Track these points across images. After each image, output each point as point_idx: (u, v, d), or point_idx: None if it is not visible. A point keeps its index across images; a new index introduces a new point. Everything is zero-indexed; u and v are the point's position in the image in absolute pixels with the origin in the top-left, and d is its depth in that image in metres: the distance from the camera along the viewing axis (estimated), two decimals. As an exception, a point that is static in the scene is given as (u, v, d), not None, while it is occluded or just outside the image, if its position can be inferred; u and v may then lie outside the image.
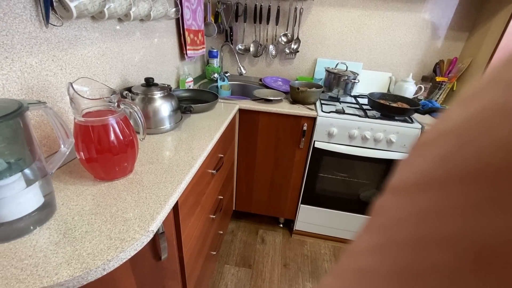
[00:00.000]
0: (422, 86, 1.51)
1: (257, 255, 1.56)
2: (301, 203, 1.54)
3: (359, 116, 1.26)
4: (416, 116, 1.32)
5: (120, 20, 0.90)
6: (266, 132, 1.38)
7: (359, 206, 1.48)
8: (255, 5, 1.57)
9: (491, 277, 0.07)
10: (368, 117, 1.26)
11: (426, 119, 1.30)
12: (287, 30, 1.63)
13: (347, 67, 1.46)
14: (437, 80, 1.49)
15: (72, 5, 0.62)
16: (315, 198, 1.51)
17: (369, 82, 1.66)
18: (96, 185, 0.64)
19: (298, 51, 1.66)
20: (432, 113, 1.32)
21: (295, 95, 1.36)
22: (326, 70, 1.49)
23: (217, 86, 1.62)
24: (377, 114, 1.30)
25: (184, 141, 0.89)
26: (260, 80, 1.74)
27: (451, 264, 0.08)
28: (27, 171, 0.49)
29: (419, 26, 1.52)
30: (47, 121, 0.67)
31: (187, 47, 1.38)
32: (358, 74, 1.46)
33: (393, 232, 0.10)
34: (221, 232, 1.37)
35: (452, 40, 1.52)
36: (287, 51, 1.66)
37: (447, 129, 0.10)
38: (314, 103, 1.40)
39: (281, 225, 1.77)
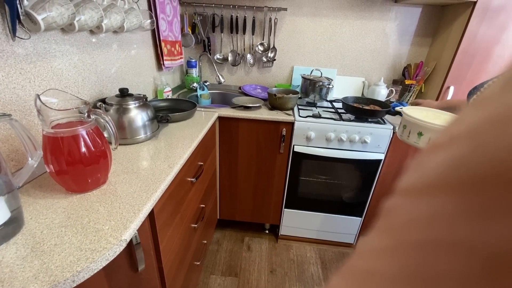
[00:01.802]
0: (393, 89, 1.60)
1: (244, 263, 1.55)
2: (285, 208, 1.56)
3: (334, 119, 1.31)
4: (388, 117, 1.39)
5: (92, 32, 0.90)
6: (247, 139, 1.40)
7: (341, 207, 1.51)
8: (231, 16, 1.62)
9: (502, 284, 0.07)
10: (343, 120, 1.31)
11: (397, 120, 1.36)
12: (263, 40, 1.68)
13: (321, 73, 1.52)
14: (406, 83, 1.58)
15: (39, 18, 0.63)
16: (298, 202, 1.53)
17: (344, 87, 1.73)
18: (67, 197, 0.63)
19: (275, 59, 1.71)
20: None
21: (273, 102, 1.40)
22: (302, 77, 1.54)
23: (197, 95, 1.63)
24: (352, 117, 1.36)
25: (161, 150, 0.89)
26: (240, 88, 1.77)
27: (461, 270, 0.08)
28: (-10, 185, 0.47)
29: (387, 33, 1.61)
30: (15, 134, 0.66)
31: (164, 58, 1.39)
32: (332, 80, 1.52)
33: (403, 234, 0.10)
34: (205, 241, 1.36)
35: (418, 46, 1.62)
36: (265, 59, 1.71)
37: (460, 132, 0.10)
38: (292, 109, 1.44)
39: (267, 231, 1.77)
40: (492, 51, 1.33)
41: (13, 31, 0.62)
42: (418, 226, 0.09)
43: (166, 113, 1.10)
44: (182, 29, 1.62)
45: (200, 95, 1.63)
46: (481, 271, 0.07)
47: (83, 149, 0.60)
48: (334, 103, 1.57)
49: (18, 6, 0.61)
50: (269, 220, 1.66)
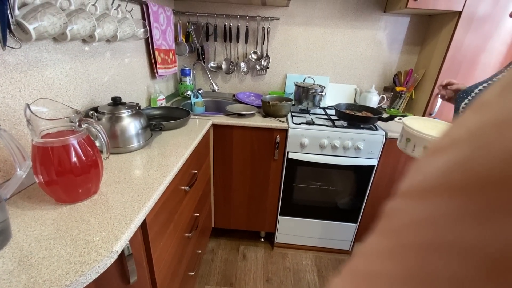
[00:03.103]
0: (385, 96, 1.63)
1: (239, 273, 1.52)
2: (280, 215, 1.55)
3: (327, 126, 1.32)
4: (380, 123, 1.41)
5: (84, 41, 0.90)
6: (241, 146, 1.40)
7: (336, 213, 1.51)
8: (224, 25, 1.64)
9: (504, 286, 0.07)
10: (336, 126, 1.32)
11: (389, 126, 1.39)
12: (256, 48, 1.70)
13: (314, 81, 1.54)
14: (397, 90, 1.61)
15: (30, 27, 0.62)
16: (293, 209, 1.52)
17: (337, 94, 1.76)
18: (57, 208, 0.62)
19: (268, 67, 1.73)
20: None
21: (267, 109, 1.40)
22: (295, 85, 1.56)
23: (191, 103, 1.63)
24: (345, 123, 1.37)
25: (154, 158, 0.89)
26: (234, 95, 1.78)
27: (462, 272, 0.08)
28: (-24, 197, 0.46)
29: (377, 42, 1.65)
30: (3, 144, 0.65)
31: (158, 66, 1.39)
32: (325, 87, 1.54)
33: (404, 236, 0.10)
34: (200, 251, 1.33)
35: (407, 54, 1.66)
36: (258, 67, 1.73)
37: (460, 136, 0.10)
38: (286, 116, 1.45)
39: (262, 239, 1.75)
40: (478, 59, 1.37)
41: (4, 41, 0.61)
42: (419, 228, 0.09)
43: (159, 121, 1.09)
44: (176, 38, 1.63)
45: (194, 103, 1.63)
46: (482, 273, 0.07)
47: (74, 159, 0.59)
48: (327, 110, 1.59)
49: (9, 15, 0.60)
50: (264, 228, 1.65)
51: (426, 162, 0.11)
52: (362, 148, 1.30)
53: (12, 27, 0.62)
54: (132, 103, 0.96)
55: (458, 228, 0.08)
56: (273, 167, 1.44)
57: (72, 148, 0.59)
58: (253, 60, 1.71)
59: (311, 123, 1.34)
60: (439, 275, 0.08)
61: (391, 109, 1.65)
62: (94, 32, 0.84)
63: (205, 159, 1.31)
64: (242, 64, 1.73)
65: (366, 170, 1.36)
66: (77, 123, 0.60)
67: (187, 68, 1.71)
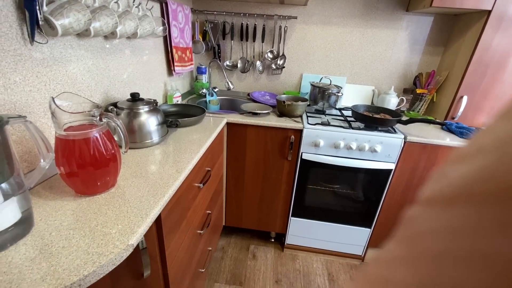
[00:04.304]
0: (404, 98, 1.57)
1: (248, 272, 1.52)
2: (291, 216, 1.54)
3: (344, 127, 1.29)
4: (398, 126, 1.37)
5: (106, 37, 0.93)
6: (255, 145, 1.40)
7: (349, 217, 1.48)
8: (242, 23, 1.64)
9: None
10: (353, 128, 1.29)
11: (408, 129, 1.34)
12: (273, 47, 1.69)
13: (330, 81, 1.51)
14: (417, 92, 1.56)
15: (57, 23, 0.64)
16: (305, 211, 1.50)
17: (354, 95, 1.72)
18: (76, 200, 0.63)
19: (284, 67, 1.71)
20: (414, 123, 1.37)
21: (281, 109, 1.39)
22: (311, 84, 1.54)
23: (205, 101, 1.65)
24: (361, 125, 1.34)
25: (170, 154, 0.90)
26: (248, 94, 1.77)
27: (481, 283, 0.07)
28: (4, 185, 0.48)
29: (398, 42, 1.60)
30: (29, 136, 0.67)
31: (175, 64, 1.41)
32: (341, 88, 1.51)
33: (423, 244, 0.10)
34: (210, 248, 1.34)
35: (429, 55, 1.60)
36: (274, 67, 1.71)
37: (487, 143, 0.09)
38: (300, 116, 1.43)
39: (273, 240, 1.74)
40: (508, 61, 1.30)
41: (32, 36, 0.64)
42: (438, 237, 0.09)
43: (175, 118, 1.11)
44: (193, 36, 1.65)
45: (209, 101, 1.64)
46: (505, 284, 0.07)
47: (94, 152, 0.61)
48: (343, 111, 1.56)
49: (38, 11, 0.63)
50: (275, 228, 1.64)
51: (449, 169, 0.11)
52: (379, 151, 1.26)
53: (40, 22, 0.64)
54: (150, 99, 0.98)
55: (479, 237, 0.08)
56: (286, 168, 1.42)
57: (93, 142, 0.60)
58: (269, 59, 1.70)
59: (327, 124, 1.32)
60: (458, 285, 0.08)
61: (411, 112, 1.59)
62: (116, 29, 0.85)
63: (218, 157, 1.31)
64: (258, 63, 1.72)
65: (382, 174, 1.32)
66: (98, 117, 0.61)
67: (203, 66, 1.72)
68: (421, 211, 0.11)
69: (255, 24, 1.63)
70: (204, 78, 1.75)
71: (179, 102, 1.43)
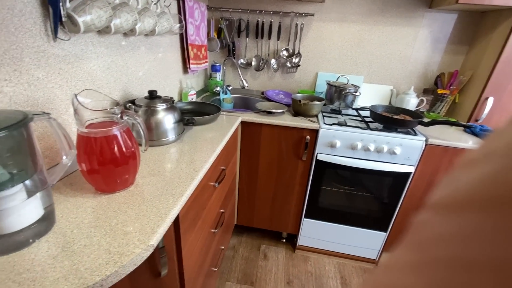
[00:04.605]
0: (424, 99, 1.52)
1: (260, 272, 1.51)
2: (304, 217, 1.51)
3: (361, 128, 1.26)
4: (419, 128, 1.32)
5: (125, 34, 0.92)
6: (269, 145, 1.38)
7: (365, 220, 1.44)
8: (257, 21, 1.61)
9: None
10: (371, 129, 1.25)
11: (429, 131, 1.29)
12: (288, 45, 1.66)
13: (348, 80, 1.47)
14: (438, 92, 1.50)
15: (80, 20, 0.64)
16: (319, 212, 1.48)
17: (370, 95, 1.67)
18: (96, 197, 0.63)
19: (299, 65, 1.68)
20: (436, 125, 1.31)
21: (297, 108, 1.37)
22: (328, 83, 1.50)
23: (219, 99, 1.64)
24: (380, 126, 1.30)
25: (186, 153, 0.89)
26: (262, 93, 1.75)
27: None
28: (28, 182, 0.48)
29: (419, 40, 1.54)
30: (50, 132, 0.68)
31: (190, 61, 1.41)
32: (359, 87, 1.47)
33: (431, 250, 0.10)
34: (223, 247, 1.34)
35: (452, 54, 1.54)
36: (289, 65, 1.69)
37: (497, 148, 0.09)
38: (316, 116, 1.40)
39: (284, 240, 1.73)
40: (538, 61, 1.23)
41: (55, 33, 0.64)
42: (450, 243, 0.09)
43: (190, 116, 1.10)
44: (208, 34, 1.64)
45: (223, 99, 1.63)
46: None
47: (115, 150, 0.60)
48: (359, 111, 1.52)
49: (61, 7, 0.62)
50: (287, 229, 1.62)
51: (458, 174, 0.10)
52: (399, 153, 1.22)
53: (63, 19, 0.64)
54: (167, 97, 0.98)
55: (491, 244, 0.08)
56: (300, 168, 1.40)
57: (114, 139, 0.60)
58: (284, 57, 1.68)
59: (344, 124, 1.28)
60: None
61: (431, 113, 1.54)
62: (135, 26, 0.85)
63: (232, 156, 1.30)
64: (273, 61, 1.70)
65: (401, 177, 1.28)
66: (119, 115, 0.60)
67: (218, 64, 1.71)
68: (431, 217, 0.11)
69: (271, 22, 1.61)
70: (218, 76, 1.74)
71: (193, 100, 1.43)
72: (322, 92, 1.68)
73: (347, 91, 1.42)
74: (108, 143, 0.59)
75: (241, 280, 1.46)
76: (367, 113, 1.46)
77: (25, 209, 0.48)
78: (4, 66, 0.56)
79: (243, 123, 1.35)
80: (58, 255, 0.47)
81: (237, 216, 1.64)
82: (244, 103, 1.77)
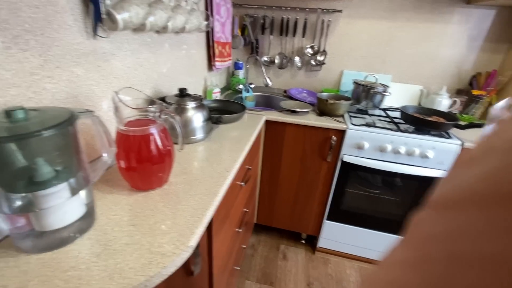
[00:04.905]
0: (457, 100, 1.44)
1: (279, 272, 1.49)
2: (326, 219, 1.48)
3: (391, 130, 1.21)
4: (454, 131, 1.25)
5: (157, 32, 0.92)
6: (292, 144, 1.35)
7: (389, 224, 1.40)
8: (282, 18, 1.58)
9: None
10: (401, 131, 1.20)
11: (466, 134, 1.22)
12: (313, 42, 1.62)
13: (377, 79, 1.42)
14: (474, 93, 1.42)
15: (119, 17, 0.64)
16: (341, 214, 1.44)
17: (397, 95, 1.61)
18: (132, 194, 0.63)
19: (324, 63, 1.64)
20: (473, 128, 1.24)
21: (323, 107, 1.33)
22: (355, 82, 1.46)
23: (241, 97, 1.62)
24: (410, 128, 1.25)
25: (215, 152, 0.88)
26: (285, 91, 1.73)
27: (487, 284, 0.07)
28: (72, 180, 0.48)
29: (453, 38, 1.46)
30: (87, 129, 0.68)
31: (216, 59, 1.40)
32: (388, 87, 1.42)
33: (430, 247, 0.10)
34: (244, 246, 1.33)
35: (490, 52, 1.45)
36: (313, 63, 1.65)
37: (495, 146, 0.09)
38: (342, 116, 1.36)
39: (303, 241, 1.70)
40: None
41: (95, 29, 0.64)
42: (446, 239, 0.09)
43: (216, 114, 1.09)
44: (231, 31, 1.62)
45: (245, 97, 1.61)
46: (508, 284, 0.07)
47: (153, 148, 0.60)
48: (387, 112, 1.46)
49: (101, 4, 0.62)
50: (307, 230, 1.59)
51: (457, 172, 0.11)
52: (431, 157, 1.16)
53: (102, 16, 0.64)
54: (196, 95, 0.97)
55: (485, 240, 0.08)
56: (324, 169, 1.37)
57: (153, 138, 0.60)
58: (309, 55, 1.64)
59: (373, 125, 1.24)
60: (466, 285, 0.08)
61: (464, 115, 1.46)
62: (168, 23, 0.84)
63: (256, 154, 1.29)
64: (297, 58, 1.66)
65: (432, 182, 1.22)
66: (158, 113, 0.60)
67: (241, 62, 1.69)
68: (429, 214, 0.11)
69: (296, 19, 1.57)
70: (240, 74, 1.72)
71: (217, 98, 1.42)
72: (347, 91, 1.64)
73: (376, 90, 1.37)
74: (146, 141, 0.59)
75: (260, 279, 1.45)
76: (396, 114, 1.40)
77: (69, 207, 0.48)
78: (47, 63, 0.56)
79: (267, 122, 1.33)
80: (101, 253, 0.47)
81: (257, 215, 1.63)
82: (266, 101, 1.75)
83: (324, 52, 1.62)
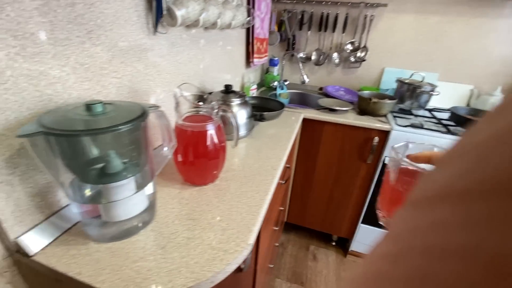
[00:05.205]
0: (515, 101, 1.32)
1: (310, 273, 1.47)
2: (361, 223, 1.43)
3: (440, 132, 1.13)
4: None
5: (206, 28, 0.93)
6: (330, 144, 1.32)
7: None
8: (322, 13, 1.53)
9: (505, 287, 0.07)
10: (452, 133, 1.12)
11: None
12: (354, 38, 1.56)
13: (423, 78, 1.34)
14: (535, 94, 1.29)
15: (179, 13, 0.65)
16: (378, 218, 1.38)
17: (445, 95, 1.50)
18: (186, 188, 0.64)
19: (364, 60, 1.57)
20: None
21: (364, 106, 1.28)
22: (399, 81, 1.38)
23: (275, 94, 1.60)
24: (462, 131, 1.16)
25: (259, 149, 0.87)
26: (320, 89, 1.68)
27: (463, 274, 0.08)
28: (140, 173, 0.50)
29: (511, 34, 1.33)
30: (158, 124, 0.70)
31: (254, 55, 1.39)
32: (436, 86, 1.33)
33: (407, 240, 0.10)
34: (277, 244, 1.32)
35: (557, 49, 1.30)
36: (352, 59, 1.58)
37: (470, 144, 0.10)
38: (385, 116, 1.30)
39: (334, 243, 1.66)
40: None
41: (156, 26, 0.65)
42: (423, 233, 0.10)
43: (254, 111, 1.08)
44: (269, 27, 1.60)
45: (279, 94, 1.59)
46: (485, 276, 0.07)
47: (210, 144, 0.60)
48: (433, 113, 1.37)
49: (163, 0, 0.63)
50: (340, 232, 1.55)
51: (434, 172, 0.11)
52: (486, 162, 1.07)
53: (163, 12, 0.65)
54: (239, 91, 0.97)
55: (459, 233, 0.08)
56: (363, 171, 1.32)
57: (210, 133, 0.60)
58: (348, 51, 1.58)
59: (420, 126, 1.17)
60: (439, 278, 0.08)
61: (522, 118, 1.33)
62: (218, 19, 0.84)
63: (291, 152, 1.27)
64: (335, 55, 1.61)
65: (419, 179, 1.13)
66: (216, 109, 0.60)
67: (276, 58, 1.67)
68: (408, 211, 0.11)
69: (336, 13, 1.52)
70: (275, 71, 1.70)
71: (254, 95, 1.42)
72: (388, 89, 1.56)
73: (422, 90, 1.29)
74: (204, 137, 0.60)
75: (291, 278, 1.44)
76: (443, 115, 1.31)
77: (136, 199, 0.50)
78: (115, 58, 0.58)
79: (303, 120, 1.30)
80: (166, 245, 0.48)
81: (288, 214, 1.62)
82: (300, 99, 1.72)
83: (364, 48, 1.55)
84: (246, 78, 1.44)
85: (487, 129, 0.10)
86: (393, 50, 1.53)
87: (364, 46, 1.55)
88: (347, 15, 1.50)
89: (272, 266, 1.19)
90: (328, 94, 1.57)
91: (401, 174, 0.33)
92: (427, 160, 0.34)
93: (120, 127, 0.41)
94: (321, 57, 1.64)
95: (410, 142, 0.36)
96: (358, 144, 1.27)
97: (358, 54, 1.56)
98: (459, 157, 0.10)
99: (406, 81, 1.36)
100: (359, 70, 1.64)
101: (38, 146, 0.39)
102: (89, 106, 0.42)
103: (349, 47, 1.57)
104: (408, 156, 0.34)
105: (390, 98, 1.31)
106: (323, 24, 1.56)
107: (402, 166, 0.33)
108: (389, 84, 1.57)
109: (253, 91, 1.41)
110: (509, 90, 1.42)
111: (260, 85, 1.77)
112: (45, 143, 0.39)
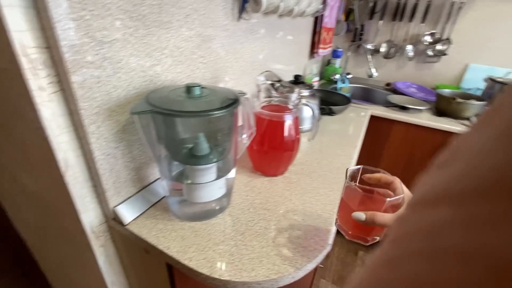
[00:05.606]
0: None
1: (358, 278, 1.40)
2: (423, 234, 1.30)
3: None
4: None
5: (280, 16, 0.90)
6: (397, 146, 1.20)
7: None
8: (398, 0, 1.39)
9: None
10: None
11: None
12: (435, 29, 1.38)
13: (524, 77, 1.13)
14: None
15: (264, -2, 0.63)
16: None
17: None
18: (257, 178, 0.64)
19: (445, 54, 1.39)
20: None
21: (444, 106, 1.13)
22: (490, 79, 1.19)
23: (335, 88, 1.52)
24: None
25: (326, 145, 0.83)
26: (388, 84, 1.54)
27: (462, 277, 0.08)
28: (225, 159, 0.50)
29: None
30: (243, 111, 0.71)
31: (319, 45, 1.32)
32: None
33: (407, 244, 0.10)
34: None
35: None
36: (430, 53, 1.41)
37: (467, 146, 0.10)
38: (468, 119, 1.14)
39: (386, 252, 1.55)
40: None
41: (241, 12, 0.65)
42: (422, 236, 0.10)
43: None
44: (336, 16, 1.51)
45: (340, 88, 1.50)
46: (485, 278, 0.07)
47: (287, 134, 0.58)
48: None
49: (249, -14, 0.62)
50: (395, 241, 1.43)
51: (433, 174, 0.11)
52: None
53: (249, -2, 0.64)
54: (308, 83, 0.93)
55: (457, 235, 0.08)
56: (433, 178, 1.18)
57: (288, 124, 0.58)
58: (426, 44, 1.41)
59: None
60: (438, 281, 0.08)
61: None
62: (296, 6, 0.81)
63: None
64: (409, 47, 1.45)
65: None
66: (297, 100, 0.58)
67: (340, 50, 1.58)
68: (407, 215, 0.11)
69: (416, 1, 1.36)
70: (337, 63, 1.61)
71: (316, 87, 1.36)
72: (470, 89, 1.36)
73: (522, 91, 1.09)
74: (282, 127, 0.58)
75: (336, 281, 1.38)
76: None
77: (217, 184, 0.50)
78: (204, 43, 0.59)
79: (370, 117, 1.21)
80: (245, 232, 0.48)
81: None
82: (363, 94, 1.60)
83: (447, 41, 1.37)
84: (308, 70, 1.38)
85: (483, 130, 0.10)
86: (483, 44, 1.32)
87: (447, 39, 1.37)
88: (429, 3, 1.33)
89: (322, 266, 1.15)
90: (397, 90, 1.43)
91: (347, 190, 0.42)
92: (377, 181, 0.40)
93: (222, 110, 0.41)
94: (392, 49, 1.50)
95: (364, 166, 0.42)
96: (432, 149, 1.13)
97: (438, 47, 1.39)
98: (457, 159, 0.10)
99: (499, 80, 1.16)
100: (436, 66, 1.46)
101: (143, 123, 0.42)
102: (189, 89, 0.43)
103: (428, 38, 1.40)
104: (363, 176, 0.42)
105: (477, 98, 1.14)
106: (399, 13, 1.41)
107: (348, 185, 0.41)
108: (473, 83, 1.36)
109: (315, 83, 1.35)
110: None
111: (319, 78, 1.69)
112: (149, 120, 0.41)
